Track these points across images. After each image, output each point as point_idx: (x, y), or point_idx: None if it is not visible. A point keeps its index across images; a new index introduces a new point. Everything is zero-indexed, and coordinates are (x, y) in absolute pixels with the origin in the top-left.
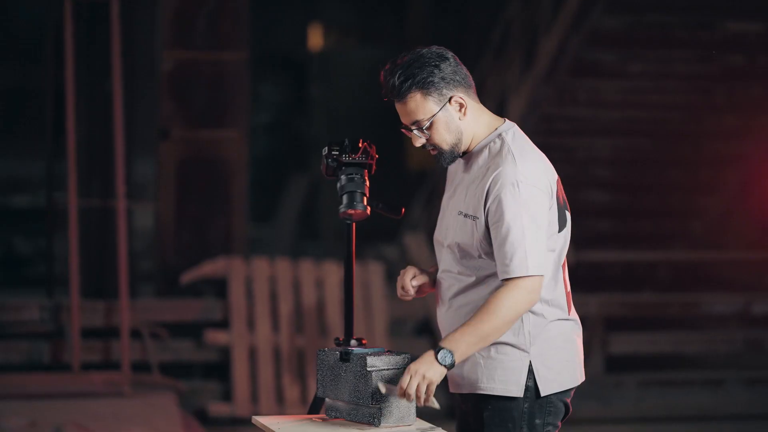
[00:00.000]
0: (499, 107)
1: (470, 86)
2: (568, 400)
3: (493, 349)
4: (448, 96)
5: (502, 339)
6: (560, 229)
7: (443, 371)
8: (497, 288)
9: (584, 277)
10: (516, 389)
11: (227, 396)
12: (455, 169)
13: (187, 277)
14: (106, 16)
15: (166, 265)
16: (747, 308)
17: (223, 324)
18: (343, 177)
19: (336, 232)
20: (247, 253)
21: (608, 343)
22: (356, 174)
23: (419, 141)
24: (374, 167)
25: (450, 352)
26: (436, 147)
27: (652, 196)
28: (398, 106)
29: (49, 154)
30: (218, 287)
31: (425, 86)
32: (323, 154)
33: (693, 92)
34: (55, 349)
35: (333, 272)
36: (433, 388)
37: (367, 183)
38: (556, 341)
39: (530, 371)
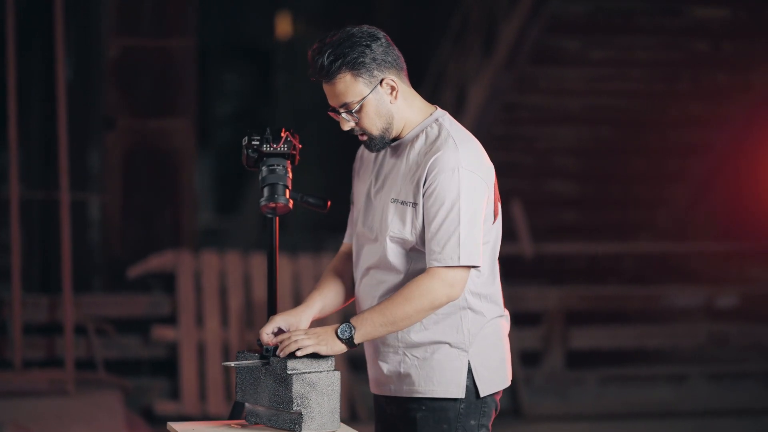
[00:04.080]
0: (458, 96)
1: (402, 69)
2: (498, 399)
3: (429, 350)
4: (380, 78)
5: (440, 338)
6: (494, 220)
7: (338, 346)
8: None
9: (547, 269)
10: (456, 390)
11: (175, 394)
12: (379, 159)
13: (134, 271)
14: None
15: (113, 259)
16: (711, 301)
17: (171, 319)
18: (264, 168)
19: (301, 224)
20: (197, 245)
21: (568, 337)
22: (278, 165)
23: (347, 125)
24: (298, 157)
25: (352, 327)
26: (365, 131)
27: (616, 185)
28: (326, 88)
29: None
30: (167, 281)
31: (355, 67)
32: (243, 144)
33: (657, 80)
34: None
35: (284, 266)
36: (308, 351)
37: (290, 174)
38: (491, 339)
39: (469, 371)
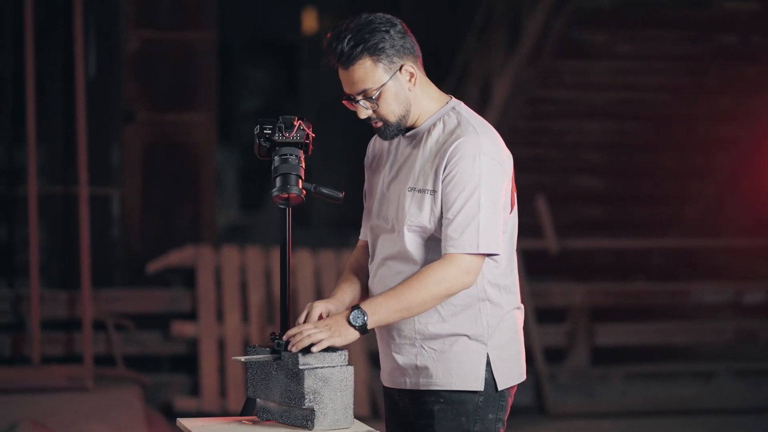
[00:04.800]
0: (483, 90)
1: (418, 56)
2: (513, 394)
3: (447, 342)
4: (399, 64)
5: (459, 330)
6: (511, 210)
7: (353, 334)
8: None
9: (573, 265)
10: (475, 383)
11: (195, 390)
12: (392, 149)
13: (154, 266)
14: None
15: (133, 254)
16: (738, 297)
17: (192, 315)
18: (276, 158)
19: (328, 220)
20: (217, 240)
21: (594, 334)
22: (291, 155)
23: (365, 112)
24: (311, 147)
25: (364, 313)
26: (381, 119)
27: (643, 181)
28: (344, 75)
29: (9, 138)
30: (186, 277)
31: (376, 52)
32: (255, 133)
33: (684, 73)
34: (15, 342)
35: (306, 261)
36: (323, 346)
37: (303, 164)
38: (510, 332)
39: (488, 364)
